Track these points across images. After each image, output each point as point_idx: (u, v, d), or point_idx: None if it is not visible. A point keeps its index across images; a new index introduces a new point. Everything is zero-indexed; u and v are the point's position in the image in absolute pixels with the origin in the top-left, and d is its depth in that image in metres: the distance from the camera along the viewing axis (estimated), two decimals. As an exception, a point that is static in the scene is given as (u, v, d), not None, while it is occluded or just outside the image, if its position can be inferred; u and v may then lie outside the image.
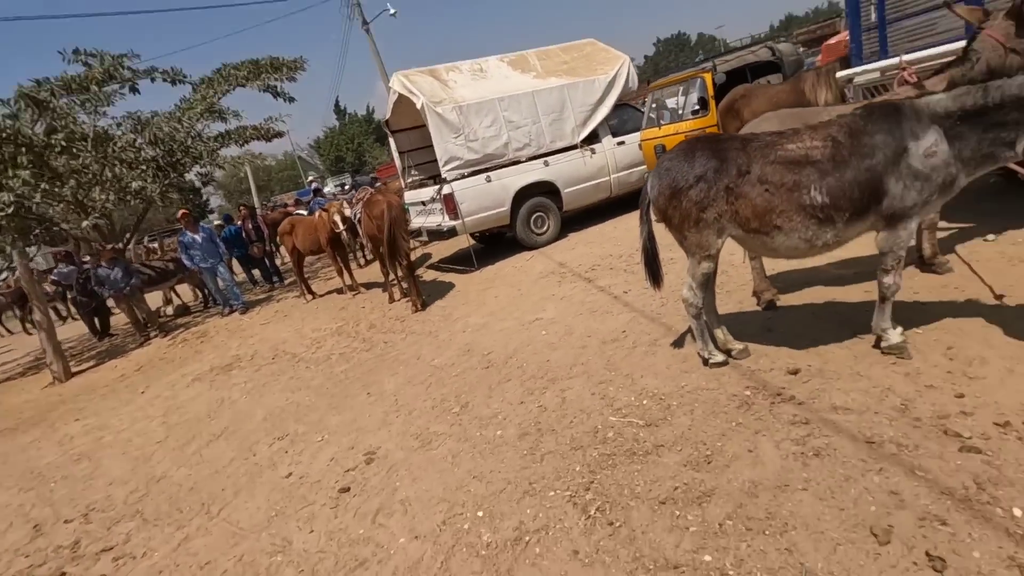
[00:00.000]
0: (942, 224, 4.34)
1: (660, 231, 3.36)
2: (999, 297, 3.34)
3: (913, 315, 3.32)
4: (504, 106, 8.09)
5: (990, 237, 4.28)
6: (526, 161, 8.37)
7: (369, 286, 9.09)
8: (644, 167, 8.87)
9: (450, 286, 7.67)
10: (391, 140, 9.47)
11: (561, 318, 5.15)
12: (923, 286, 3.73)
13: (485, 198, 8.02)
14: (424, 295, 7.13)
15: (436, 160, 8.06)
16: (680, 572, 2.04)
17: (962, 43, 3.82)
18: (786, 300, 4.12)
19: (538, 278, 6.83)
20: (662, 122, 8.31)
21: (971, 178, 2.70)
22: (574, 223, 9.51)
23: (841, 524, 2.05)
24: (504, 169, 8.19)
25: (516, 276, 7.27)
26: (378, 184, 14.62)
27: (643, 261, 3.42)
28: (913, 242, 3.36)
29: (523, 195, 8.29)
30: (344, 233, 8.44)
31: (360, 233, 7.78)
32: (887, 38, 4.64)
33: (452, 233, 7.97)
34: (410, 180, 9.69)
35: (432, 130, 7.69)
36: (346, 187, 25.39)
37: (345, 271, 8.89)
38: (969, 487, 2.06)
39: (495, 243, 9.73)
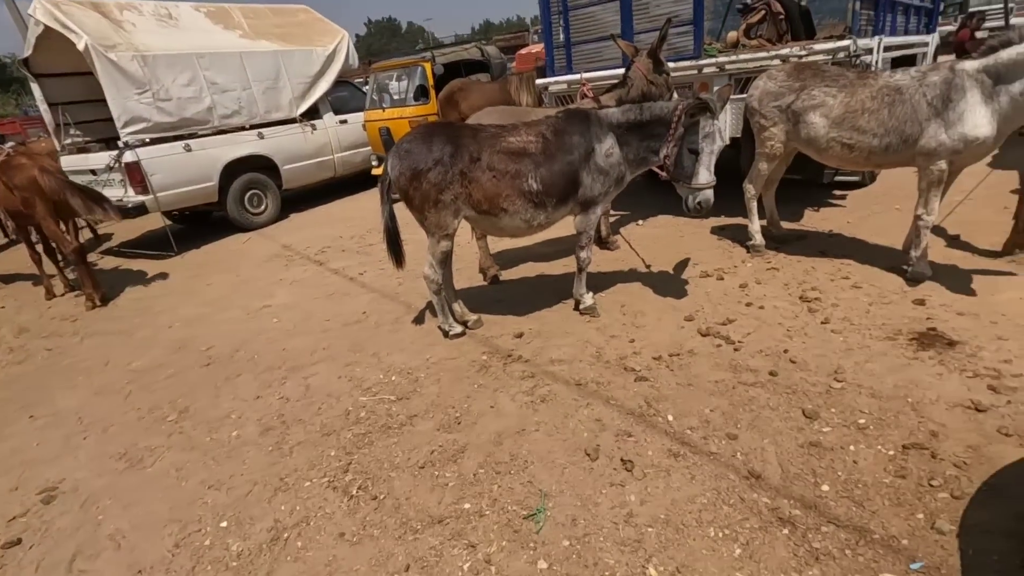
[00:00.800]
0: (612, 212, 5.56)
1: (400, 210, 3.45)
2: (648, 266, 4.50)
3: (598, 282, 4.19)
4: (205, 64, 6.98)
5: (640, 222, 5.68)
6: (237, 131, 7.42)
7: (8, 279, 6.87)
8: (369, 148, 8.83)
9: (142, 275, 6.35)
10: (35, 87, 7.19)
11: (295, 303, 4.83)
12: (602, 260, 4.73)
13: (185, 170, 6.85)
14: (104, 287, 5.74)
15: (110, 119, 6.50)
16: (445, 524, 2.22)
17: (622, 70, 4.92)
18: (507, 275, 4.72)
19: (261, 262, 6.22)
20: (385, 105, 8.37)
21: (633, 176, 3.55)
22: (296, 202, 8.92)
23: (565, 452, 2.52)
24: (210, 138, 7.11)
25: (233, 260, 6.46)
26: (10, 144, 10.95)
27: (385, 241, 3.47)
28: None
29: (235, 169, 7.37)
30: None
31: (-8, 208, 5.75)
32: (572, 57, 5.65)
33: (140, 211, 6.58)
34: (69, 142, 7.57)
35: (104, 81, 6.15)
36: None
37: (-36, 260, 6.49)
38: (643, 406, 2.77)
39: (199, 222, 8.43)
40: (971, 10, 11.24)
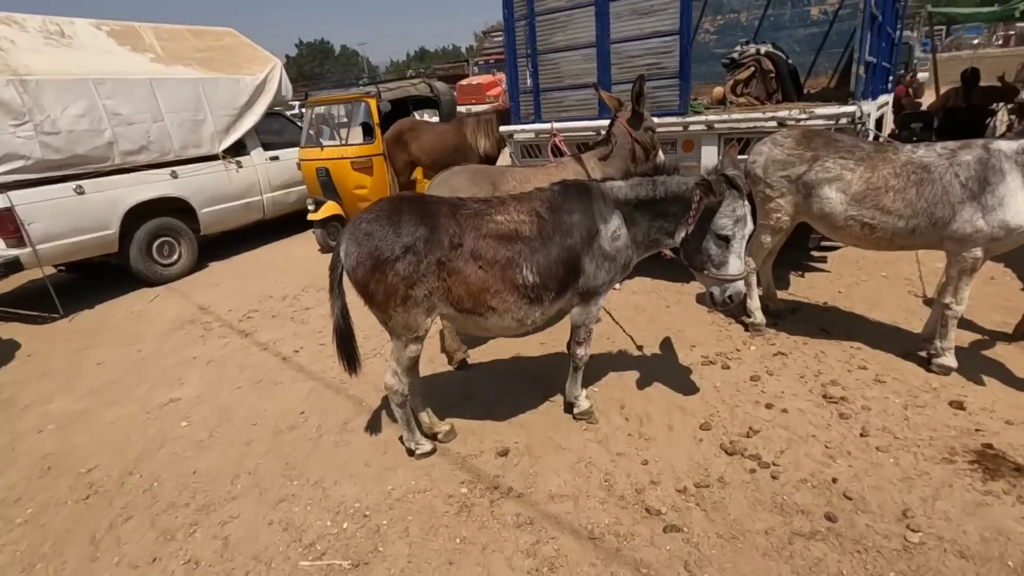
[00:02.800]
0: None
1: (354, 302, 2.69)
2: (640, 347, 3.94)
3: (587, 369, 3.53)
4: (106, 92, 5.91)
5: (617, 286, 5.15)
6: (144, 169, 6.34)
7: None
8: (303, 187, 7.92)
9: (12, 347, 5.11)
10: None
11: (211, 395, 3.88)
12: (585, 337, 4.13)
13: (75, 216, 5.70)
14: (-43, 367, 4.52)
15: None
16: None
17: (592, 122, 4.44)
18: (475, 356, 4.02)
19: (171, 330, 5.16)
20: (323, 142, 7.53)
21: (639, 259, 2.98)
22: (216, 248, 7.81)
23: (598, 669, 1.84)
24: (109, 178, 5.99)
25: (135, 326, 5.35)
26: None
27: (335, 342, 2.69)
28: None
29: (140, 214, 6.26)
30: None
31: None
32: (541, 105, 5.12)
33: (13, 268, 5.36)
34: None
35: (-33, 109, 4.99)
36: None
37: None
38: (683, 574, 2.14)
39: (94, 272, 7.14)
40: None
